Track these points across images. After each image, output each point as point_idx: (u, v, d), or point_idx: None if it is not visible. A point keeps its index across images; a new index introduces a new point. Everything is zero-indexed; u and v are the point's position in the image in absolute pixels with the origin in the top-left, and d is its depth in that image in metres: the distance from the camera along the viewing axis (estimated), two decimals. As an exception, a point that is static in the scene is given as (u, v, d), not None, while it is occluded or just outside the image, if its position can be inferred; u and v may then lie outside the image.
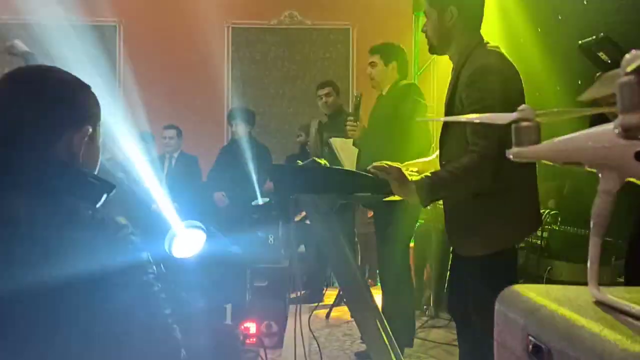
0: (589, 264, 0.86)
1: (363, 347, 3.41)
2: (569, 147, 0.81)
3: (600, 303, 0.84)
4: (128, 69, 6.16)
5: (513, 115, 0.91)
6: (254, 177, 4.80)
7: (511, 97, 1.95)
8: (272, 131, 6.73)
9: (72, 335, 0.97)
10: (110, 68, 6.05)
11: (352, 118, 3.37)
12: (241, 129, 5.07)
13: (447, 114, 2.13)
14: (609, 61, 1.32)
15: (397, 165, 2.06)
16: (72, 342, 0.97)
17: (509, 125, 0.92)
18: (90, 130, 1.16)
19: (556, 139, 0.85)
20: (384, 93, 3.49)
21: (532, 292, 0.94)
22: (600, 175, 0.84)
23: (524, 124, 0.87)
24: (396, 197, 2.08)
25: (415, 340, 3.62)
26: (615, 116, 0.81)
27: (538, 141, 0.88)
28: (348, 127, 3.38)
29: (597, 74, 1.37)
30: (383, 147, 3.11)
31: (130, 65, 6.16)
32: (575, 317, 0.79)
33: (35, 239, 0.98)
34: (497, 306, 0.99)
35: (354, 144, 3.45)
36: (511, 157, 0.91)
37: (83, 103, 1.17)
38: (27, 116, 1.09)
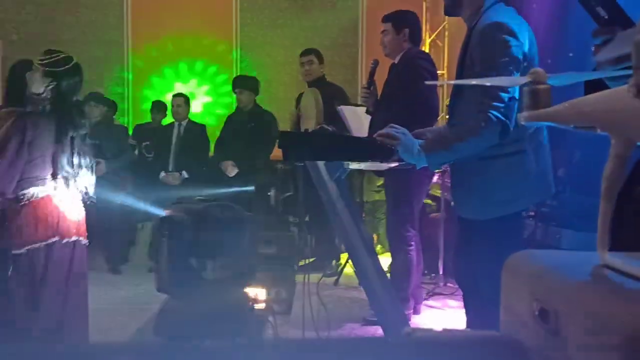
0: (598, 228, 0.86)
1: (371, 312, 3.43)
2: (582, 110, 0.80)
3: (608, 267, 0.84)
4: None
5: (524, 78, 0.89)
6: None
7: (523, 56, 1.92)
8: (279, 99, 6.69)
9: None
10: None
11: (365, 85, 3.42)
12: (245, 97, 5.07)
13: (458, 74, 2.10)
14: (607, 17, 1.31)
15: (402, 130, 2.04)
16: None
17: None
18: None
19: (567, 102, 0.83)
20: (396, 61, 3.50)
21: (539, 257, 0.94)
22: (612, 138, 0.83)
23: (536, 87, 0.86)
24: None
25: (423, 307, 3.65)
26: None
27: (549, 104, 0.87)
28: (361, 95, 3.44)
29: (594, 30, 1.37)
30: (395, 117, 3.10)
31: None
32: (583, 281, 0.79)
33: None
34: (504, 271, 0.99)
35: (367, 112, 3.47)
36: (522, 121, 0.90)
37: None
38: None
